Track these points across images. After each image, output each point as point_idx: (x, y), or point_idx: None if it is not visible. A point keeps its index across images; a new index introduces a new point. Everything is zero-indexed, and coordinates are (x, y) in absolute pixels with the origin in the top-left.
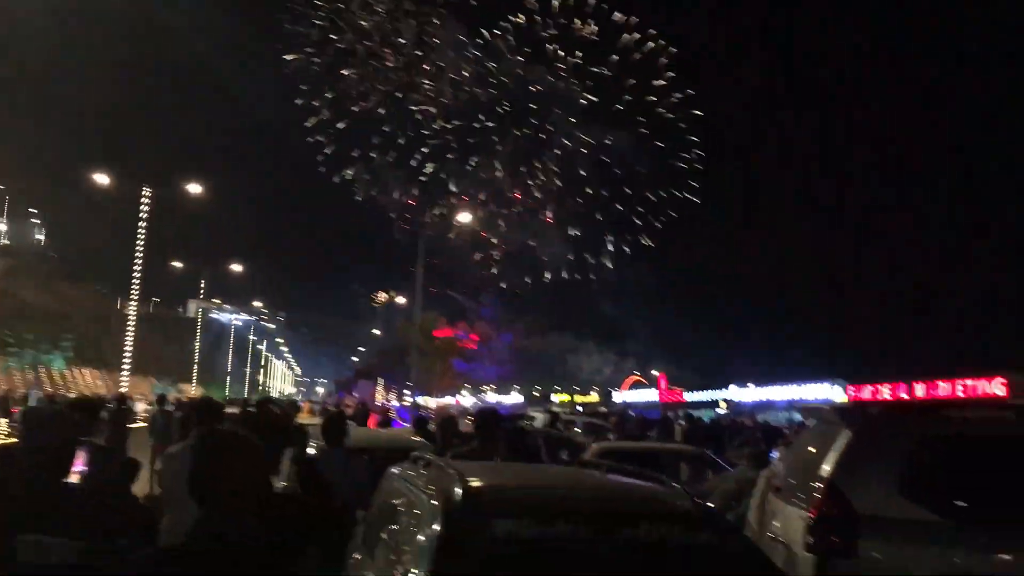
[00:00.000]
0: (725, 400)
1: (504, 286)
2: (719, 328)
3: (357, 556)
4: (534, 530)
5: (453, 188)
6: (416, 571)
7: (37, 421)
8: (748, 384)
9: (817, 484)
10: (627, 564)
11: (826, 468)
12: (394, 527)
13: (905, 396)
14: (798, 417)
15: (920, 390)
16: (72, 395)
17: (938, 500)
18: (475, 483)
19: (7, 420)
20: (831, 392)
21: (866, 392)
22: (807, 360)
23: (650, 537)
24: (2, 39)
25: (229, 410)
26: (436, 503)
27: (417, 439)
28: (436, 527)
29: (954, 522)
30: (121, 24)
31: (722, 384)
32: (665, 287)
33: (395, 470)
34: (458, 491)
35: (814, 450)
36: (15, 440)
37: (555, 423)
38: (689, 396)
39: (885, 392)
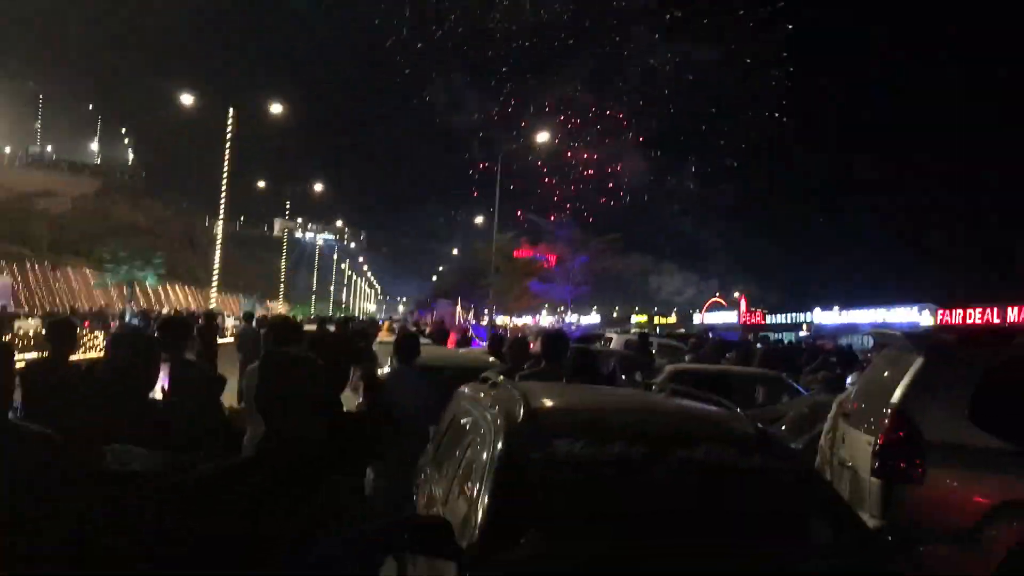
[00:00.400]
0: (807, 323)
1: (583, 207)
2: (804, 249)
3: (427, 471)
4: (591, 449)
5: (531, 108)
6: (479, 487)
7: (121, 341)
8: (833, 307)
9: (886, 410)
10: (682, 485)
11: (896, 394)
12: (460, 444)
13: (997, 320)
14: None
15: (1013, 314)
16: (164, 310)
17: (1008, 428)
18: (536, 403)
19: (105, 334)
20: (919, 316)
21: (956, 316)
22: (896, 282)
23: (706, 459)
24: None
25: (311, 328)
26: (499, 422)
27: (490, 359)
28: (498, 445)
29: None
30: None
31: (806, 307)
32: (749, 207)
33: (463, 389)
34: (520, 411)
35: (885, 376)
36: (100, 358)
37: (646, 344)
38: (771, 319)
39: (975, 316)
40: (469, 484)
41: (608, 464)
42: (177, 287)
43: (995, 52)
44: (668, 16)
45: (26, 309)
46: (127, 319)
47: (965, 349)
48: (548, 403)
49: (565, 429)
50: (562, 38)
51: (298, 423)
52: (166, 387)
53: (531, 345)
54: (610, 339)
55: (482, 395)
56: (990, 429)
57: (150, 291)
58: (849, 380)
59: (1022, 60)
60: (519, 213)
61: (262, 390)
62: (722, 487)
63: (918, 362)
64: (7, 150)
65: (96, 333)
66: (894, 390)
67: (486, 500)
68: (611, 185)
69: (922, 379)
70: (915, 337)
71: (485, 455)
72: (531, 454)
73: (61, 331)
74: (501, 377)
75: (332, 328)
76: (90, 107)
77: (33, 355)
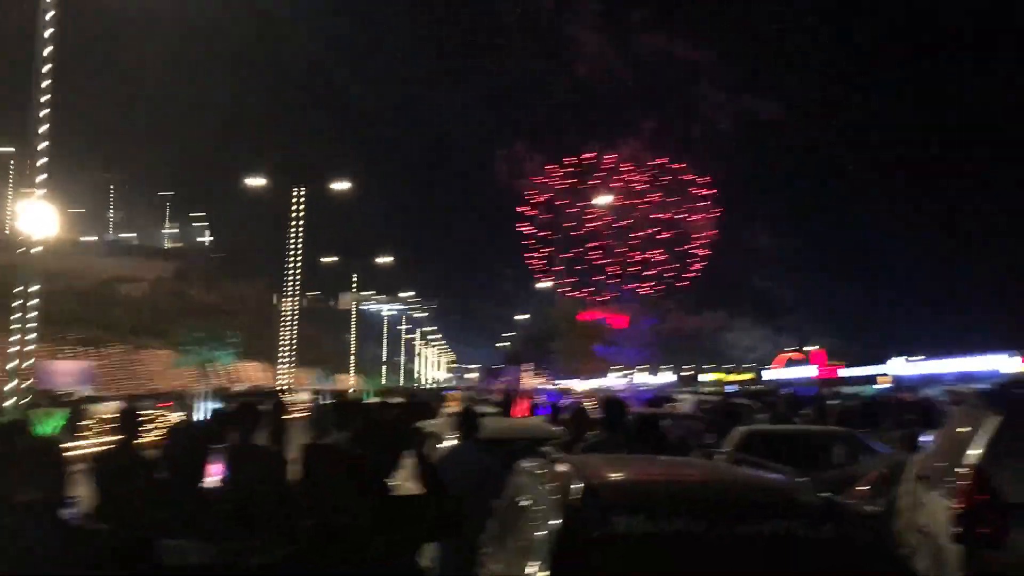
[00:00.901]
0: (886, 375)
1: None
2: (883, 297)
3: (488, 549)
4: (651, 525)
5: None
6: (539, 567)
7: (179, 434)
8: (915, 356)
9: (964, 471)
10: (745, 559)
11: (973, 454)
12: (520, 521)
13: None
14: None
15: None
16: (237, 387)
17: None
18: (594, 478)
19: (187, 414)
20: (1007, 363)
21: None
22: (982, 328)
23: (769, 531)
24: (159, 52)
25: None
26: (557, 498)
27: (553, 428)
28: (556, 522)
29: None
30: (271, 31)
31: (884, 357)
32: (822, 256)
33: (523, 464)
34: (577, 487)
35: (961, 436)
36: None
37: (730, 407)
38: (848, 371)
39: None
40: (530, 564)
41: (669, 540)
42: (253, 364)
43: None
44: (734, 68)
45: (108, 393)
46: (204, 400)
47: None
48: (605, 478)
49: (624, 504)
50: (626, 98)
51: (341, 514)
52: (225, 473)
53: (587, 414)
54: (677, 401)
55: (540, 470)
56: None
57: (225, 370)
58: (923, 438)
59: None
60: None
61: (305, 484)
62: (788, 561)
63: (995, 420)
64: (88, 239)
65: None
66: (972, 451)
67: None
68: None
69: (1001, 438)
70: (989, 395)
71: (542, 534)
72: (590, 532)
73: (124, 421)
74: (553, 450)
75: (398, 399)
76: (165, 193)
77: (114, 438)
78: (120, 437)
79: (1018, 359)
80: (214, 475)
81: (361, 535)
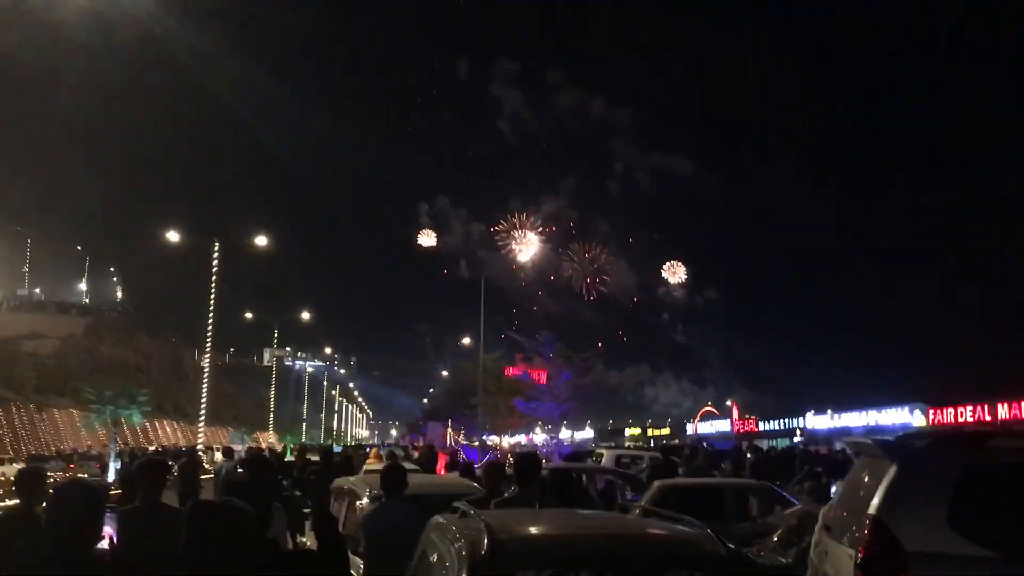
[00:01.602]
0: (800, 428)
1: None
2: (796, 355)
3: None
4: None
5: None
6: None
7: (58, 496)
8: (826, 411)
9: (864, 521)
10: None
11: (873, 504)
12: None
13: (988, 418)
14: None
15: (1004, 411)
16: (151, 448)
17: (988, 534)
18: (501, 533)
19: (98, 476)
20: (911, 417)
21: (947, 415)
22: (888, 383)
23: None
24: (75, 105)
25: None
26: (464, 554)
27: (472, 484)
28: None
29: (1004, 556)
30: (189, 88)
31: (799, 412)
32: (741, 314)
33: (434, 520)
34: (484, 542)
35: (861, 485)
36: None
37: (669, 458)
38: (764, 425)
39: (967, 414)
40: None
41: None
42: (165, 423)
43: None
44: (647, 130)
45: (10, 454)
46: (112, 459)
47: (938, 454)
48: (513, 532)
49: (530, 558)
50: (545, 154)
51: (222, 569)
52: (114, 537)
53: (502, 470)
54: (600, 455)
55: (450, 526)
56: (970, 535)
57: (137, 429)
58: (833, 489)
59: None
60: (504, 334)
61: (186, 541)
62: None
63: (892, 470)
64: None
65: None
66: (871, 500)
67: None
68: (596, 298)
69: (897, 487)
70: (887, 445)
71: None
72: None
73: (28, 482)
74: (464, 506)
75: (315, 457)
76: (78, 248)
77: (16, 502)
78: (20, 500)
79: (919, 414)
80: (106, 536)
81: None
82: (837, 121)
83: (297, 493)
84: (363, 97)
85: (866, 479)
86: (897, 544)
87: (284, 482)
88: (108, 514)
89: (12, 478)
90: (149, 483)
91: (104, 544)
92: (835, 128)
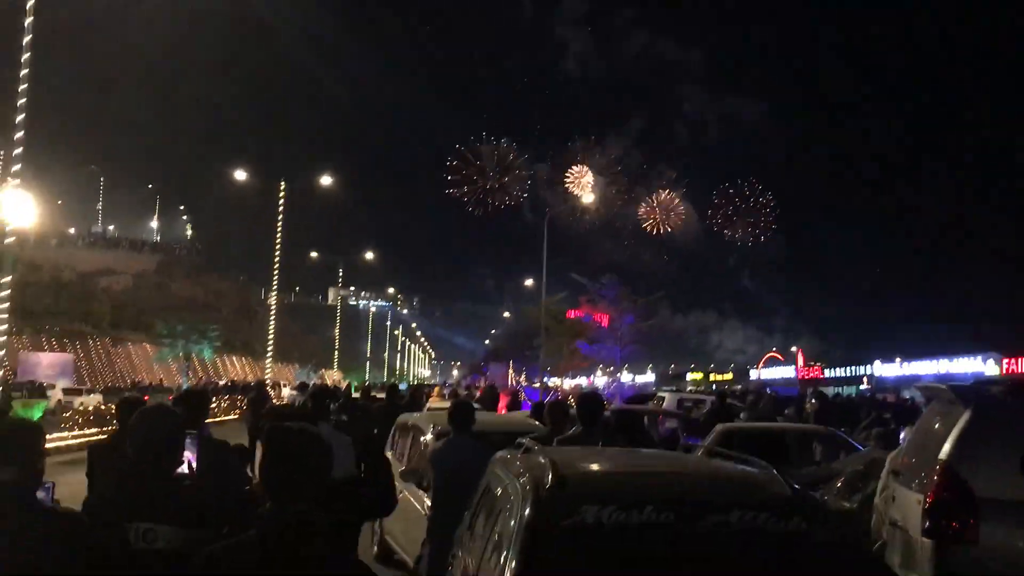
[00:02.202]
0: (868, 376)
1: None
2: (865, 301)
3: (462, 540)
4: (621, 515)
5: (581, 167)
6: (506, 556)
7: (142, 416)
8: (894, 359)
9: (935, 467)
10: (713, 551)
11: (944, 450)
12: (492, 513)
13: None
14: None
15: None
16: (222, 382)
17: None
18: (565, 469)
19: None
20: (984, 366)
21: (1023, 365)
22: (960, 332)
23: (738, 524)
24: (145, 47)
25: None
26: (528, 488)
27: (535, 423)
28: (525, 513)
29: None
30: (257, 27)
31: (867, 360)
32: (809, 261)
33: (497, 456)
34: (548, 477)
35: (933, 431)
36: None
37: (725, 401)
38: (830, 372)
39: None
40: (498, 553)
41: (637, 530)
42: (234, 358)
43: None
44: (718, 71)
45: (88, 385)
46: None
47: (1013, 400)
48: (577, 469)
49: (594, 495)
50: (611, 97)
51: (301, 496)
52: (192, 462)
53: (566, 409)
54: (662, 399)
55: (513, 461)
56: None
57: (208, 363)
58: (902, 435)
59: None
60: (566, 276)
61: (264, 466)
62: (755, 553)
63: (965, 416)
64: (71, 231)
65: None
66: (942, 446)
67: (513, 569)
68: (664, 244)
69: (970, 433)
70: (961, 390)
71: (513, 523)
72: (559, 521)
73: (126, 409)
74: (528, 442)
75: (380, 395)
76: (149, 186)
77: (94, 431)
78: (115, 427)
79: (993, 363)
80: (185, 462)
81: (308, 522)
82: (916, 67)
83: (343, 417)
84: (428, 39)
85: (937, 425)
86: (968, 490)
87: (331, 406)
88: (188, 440)
89: (91, 408)
90: (190, 412)
91: (184, 468)
92: (912, 74)
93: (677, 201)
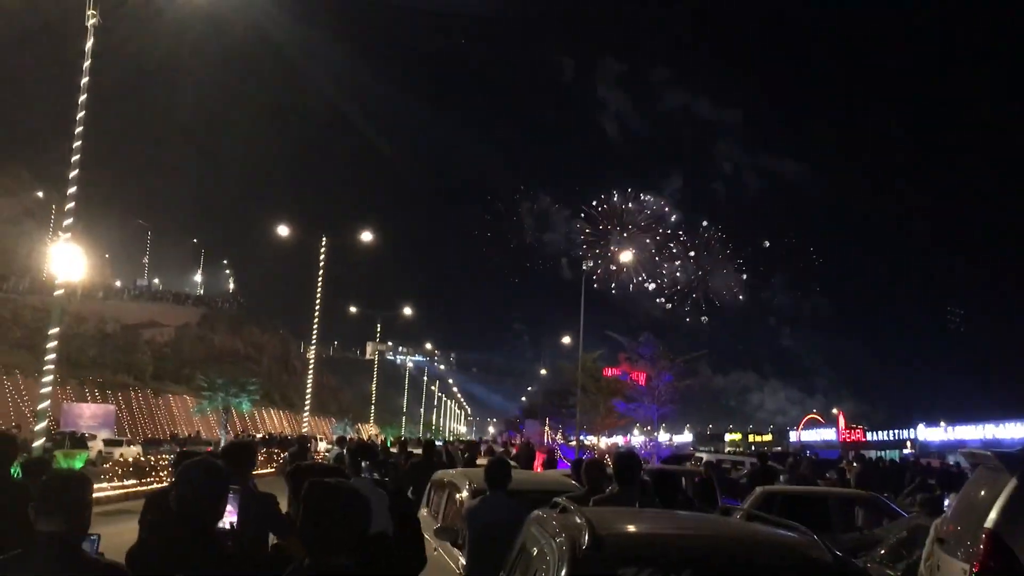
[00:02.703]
0: (911, 440)
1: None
2: (909, 363)
3: None
4: None
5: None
6: None
7: (186, 469)
8: (939, 423)
9: (980, 535)
10: None
11: (990, 518)
12: (528, 571)
13: None
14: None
15: None
16: (259, 435)
17: None
18: (603, 530)
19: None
20: None
21: None
22: (1005, 396)
23: None
24: (193, 101)
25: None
26: (563, 549)
27: (572, 482)
28: (562, 573)
29: None
30: (298, 89)
31: (910, 423)
32: (848, 321)
33: (534, 515)
34: (585, 538)
35: (979, 498)
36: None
37: (766, 463)
38: (872, 436)
39: None
40: None
41: None
42: (272, 411)
43: None
44: (754, 132)
45: (128, 436)
46: (222, 445)
47: None
48: (614, 529)
49: (631, 557)
50: (649, 155)
51: (335, 549)
52: (235, 517)
53: (603, 468)
54: (701, 459)
55: (549, 520)
56: None
57: (246, 416)
58: (947, 501)
59: None
60: (604, 334)
61: (302, 519)
62: None
63: (1012, 483)
64: (118, 284)
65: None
66: (988, 514)
67: None
68: (703, 304)
69: (1017, 501)
70: (1007, 457)
71: None
72: None
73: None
74: (565, 501)
75: (417, 451)
76: (194, 241)
77: (132, 482)
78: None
79: None
80: (228, 516)
81: (353, 573)
82: (952, 128)
83: (376, 475)
84: (468, 97)
85: (983, 492)
86: (1015, 559)
87: (363, 463)
88: (231, 495)
89: (131, 459)
90: (236, 465)
91: (225, 523)
92: (951, 135)
93: (710, 259)
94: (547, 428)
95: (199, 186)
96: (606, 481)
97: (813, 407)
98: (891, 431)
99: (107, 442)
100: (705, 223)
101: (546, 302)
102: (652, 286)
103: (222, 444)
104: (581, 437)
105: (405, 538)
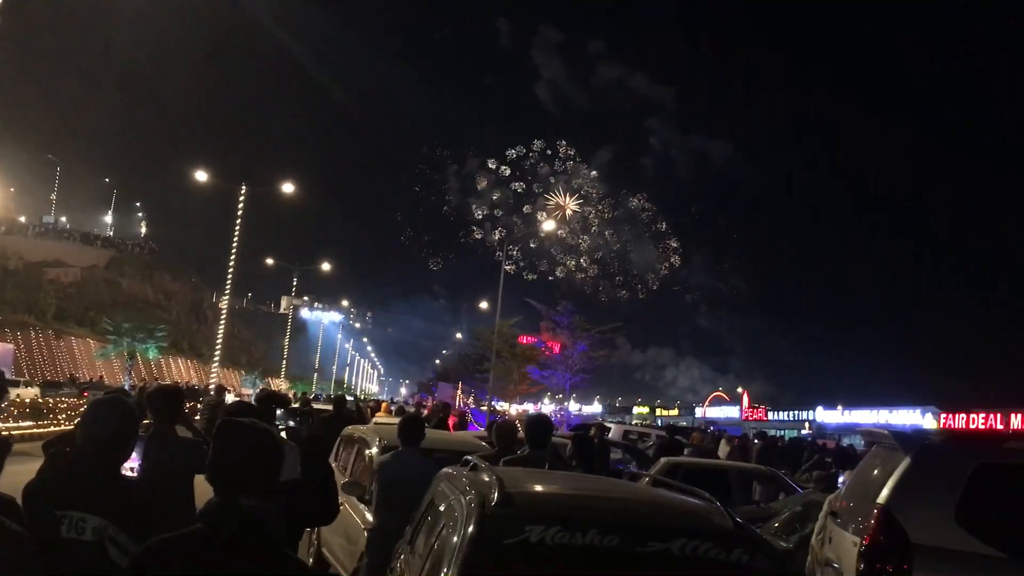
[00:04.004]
0: (809, 421)
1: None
2: (811, 349)
3: (402, 553)
4: (565, 536)
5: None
6: (447, 571)
7: (95, 407)
8: (836, 406)
9: (872, 510)
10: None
11: (883, 494)
12: (436, 527)
13: (1000, 427)
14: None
15: (1016, 421)
16: (163, 383)
17: (995, 532)
18: (512, 488)
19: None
20: (922, 419)
21: (959, 420)
22: (901, 385)
23: (680, 552)
24: (109, 42)
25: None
26: (473, 505)
27: (482, 443)
28: (470, 529)
29: (1010, 555)
30: (223, 24)
31: (809, 405)
32: (761, 303)
33: (444, 471)
34: (494, 495)
35: (873, 475)
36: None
37: (674, 436)
38: (773, 415)
39: (979, 421)
40: (438, 568)
41: (581, 552)
42: (180, 360)
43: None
44: (685, 110)
45: (27, 377)
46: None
47: (952, 450)
48: (524, 488)
49: (539, 515)
50: (578, 127)
51: (249, 497)
52: (138, 462)
53: (514, 431)
54: (608, 429)
55: (459, 477)
56: (977, 533)
57: (152, 363)
58: (841, 479)
59: None
60: (523, 301)
61: (213, 461)
62: None
63: (905, 462)
64: (22, 219)
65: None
66: (881, 490)
67: None
68: (624, 278)
69: (909, 479)
70: (903, 436)
71: (456, 539)
72: (502, 539)
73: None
74: (476, 459)
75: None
76: (106, 180)
77: (29, 423)
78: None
79: (931, 417)
80: (133, 459)
81: (251, 516)
82: (876, 117)
83: (291, 424)
84: (402, 53)
85: (877, 470)
86: (903, 535)
87: (277, 411)
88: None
89: (28, 401)
90: (160, 412)
91: (126, 469)
92: (875, 127)
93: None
94: (460, 392)
95: (115, 125)
96: (516, 444)
97: (724, 386)
98: (791, 412)
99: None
100: (633, 200)
101: (468, 267)
102: (572, 261)
103: (126, 389)
104: (493, 403)
105: (318, 486)
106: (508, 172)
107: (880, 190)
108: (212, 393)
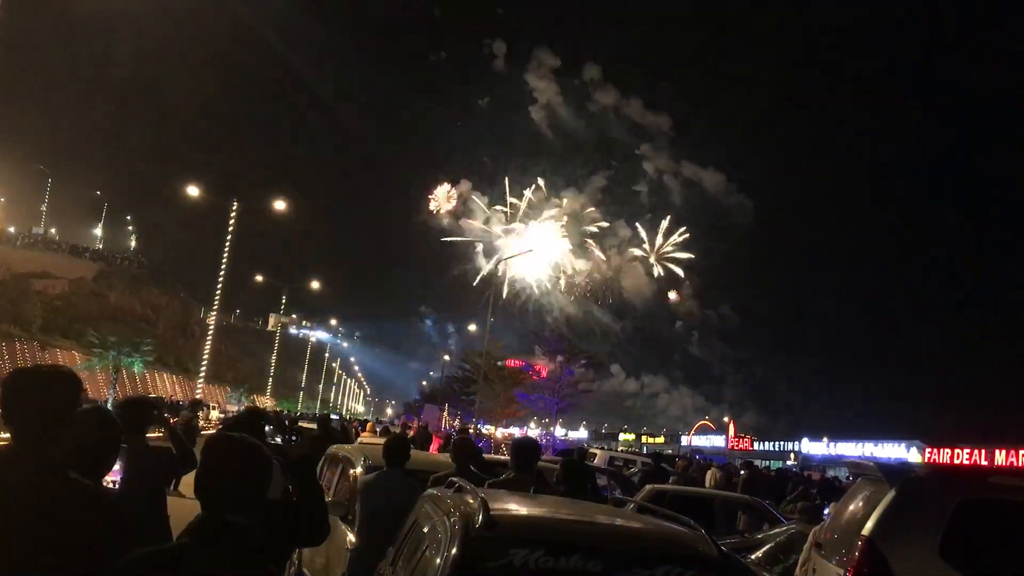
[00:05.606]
0: (795, 452)
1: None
2: (798, 381)
3: (385, 574)
4: (549, 561)
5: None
6: None
7: (81, 418)
8: (822, 438)
9: (856, 542)
10: None
11: (867, 526)
12: (419, 548)
13: (984, 462)
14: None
15: (1000, 457)
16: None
17: (979, 567)
18: (497, 511)
19: None
20: (906, 453)
21: (944, 455)
22: (886, 419)
23: None
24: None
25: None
26: (457, 527)
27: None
28: (453, 551)
29: None
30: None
31: (795, 436)
32: (751, 333)
33: (429, 492)
34: (479, 517)
35: (858, 508)
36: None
37: (660, 464)
38: (759, 445)
39: (963, 457)
40: None
41: None
42: (165, 375)
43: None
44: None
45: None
46: (110, 404)
47: (937, 484)
48: (508, 511)
49: (523, 539)
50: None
51: (233, 512)
52: (119, 476)
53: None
54: (594, 455)
55: (445, 500)
56: (960, 567)
57: (137, 378)
58: (826, 511)
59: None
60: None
61: (200, 472)
62: None
63: (890, 494)
64: (11, 229)
65: None
66: (866, 522)
67: None
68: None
69: (893, 512)
70: (888, 468)
71: (439, 561)
72: (486, 562)
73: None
74: (461, 481)
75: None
76: (97, 193)
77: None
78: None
79: (916, 451)
80: (113, 473)
81: (248, 537)
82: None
83: (278, 440)
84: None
85: (862, 502)
86: (887, 567)
87: (267, 427)
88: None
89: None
90: (130, 422)
91: (108, 481)
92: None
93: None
94: (445, 414)
95: (109, 137)
96: (472, 461)
97: (716, 415)
98: (777, 442)
99: None
100: (627, 228)
101: (459, 290)
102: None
103: (109, 403)
104: (478, 425)
105: (309, 505)
106: (502, 209)
107: (871, 225)
108: (187, 409)
